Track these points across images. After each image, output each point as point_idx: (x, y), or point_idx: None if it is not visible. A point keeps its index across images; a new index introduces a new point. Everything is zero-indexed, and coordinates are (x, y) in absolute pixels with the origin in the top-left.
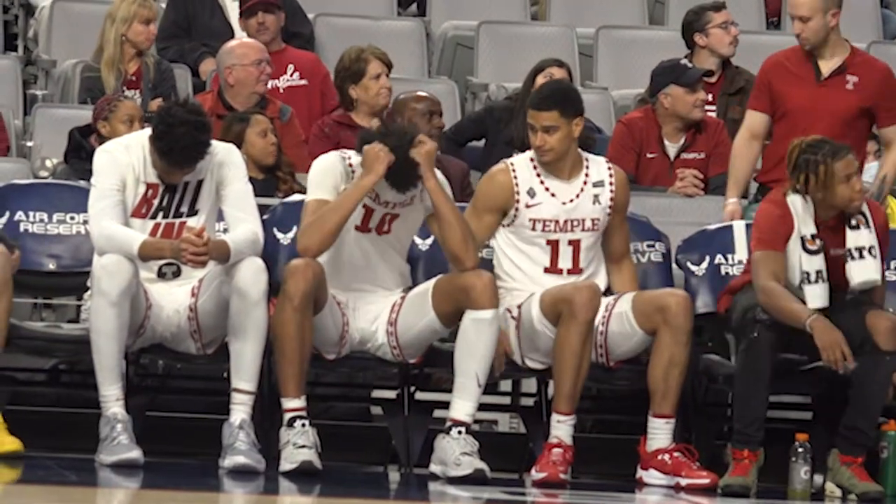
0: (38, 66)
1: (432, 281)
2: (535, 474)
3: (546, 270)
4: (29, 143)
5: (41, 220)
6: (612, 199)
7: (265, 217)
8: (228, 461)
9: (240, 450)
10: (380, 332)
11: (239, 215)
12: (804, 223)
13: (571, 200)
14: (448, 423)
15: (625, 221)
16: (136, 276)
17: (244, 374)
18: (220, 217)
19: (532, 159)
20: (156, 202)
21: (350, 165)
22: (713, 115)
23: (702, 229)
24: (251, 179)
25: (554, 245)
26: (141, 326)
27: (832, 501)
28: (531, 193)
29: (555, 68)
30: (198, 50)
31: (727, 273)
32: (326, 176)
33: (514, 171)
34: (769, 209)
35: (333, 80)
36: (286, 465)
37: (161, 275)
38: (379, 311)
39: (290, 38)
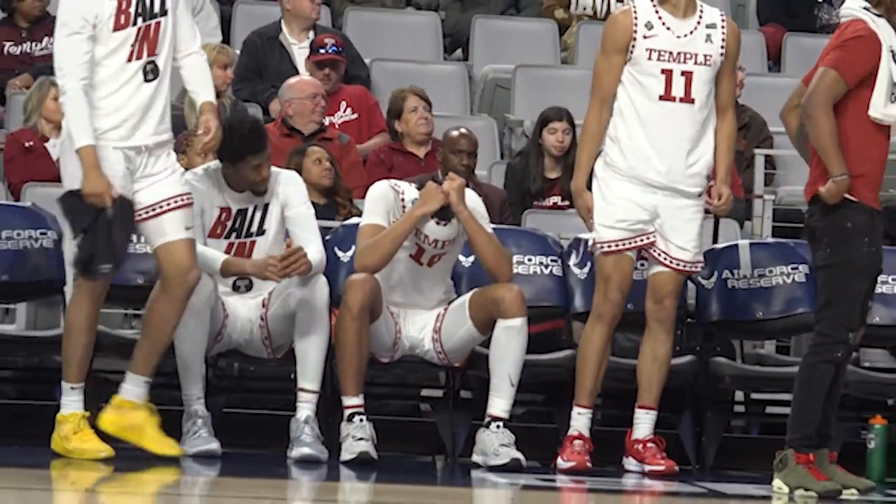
0: None
1: (469, 294)
2: (563, 463)
3: (661, 98)
4: None
5: (131, 241)
6: (723, 41)
7: (327, 238)
8: (295, 452)
9: (305, 442)
10: (426, 340)
11: (307, 236)
12: (891, 38)
13: (686, 35)
14: (487, 419)
15: (734, 72)
16: (216, 290)
17: (309, 376)
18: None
19: (653, 3)
20: (229, 224)
21: (402, 200)
22: None
23: (711, 248)
24: (314, 204)
25: (668, 74)
26: (219, 334)
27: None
28: (649, 26)
29: (555, 123)
30: (268, 90)
31: (733, 286)
32: (378, 203)
33: (635, 10)
34: (868, 42)
35: (385, 119)
36: (346, 455)
37: (235, 288)
38: (426, 321)
39: (349, 80)
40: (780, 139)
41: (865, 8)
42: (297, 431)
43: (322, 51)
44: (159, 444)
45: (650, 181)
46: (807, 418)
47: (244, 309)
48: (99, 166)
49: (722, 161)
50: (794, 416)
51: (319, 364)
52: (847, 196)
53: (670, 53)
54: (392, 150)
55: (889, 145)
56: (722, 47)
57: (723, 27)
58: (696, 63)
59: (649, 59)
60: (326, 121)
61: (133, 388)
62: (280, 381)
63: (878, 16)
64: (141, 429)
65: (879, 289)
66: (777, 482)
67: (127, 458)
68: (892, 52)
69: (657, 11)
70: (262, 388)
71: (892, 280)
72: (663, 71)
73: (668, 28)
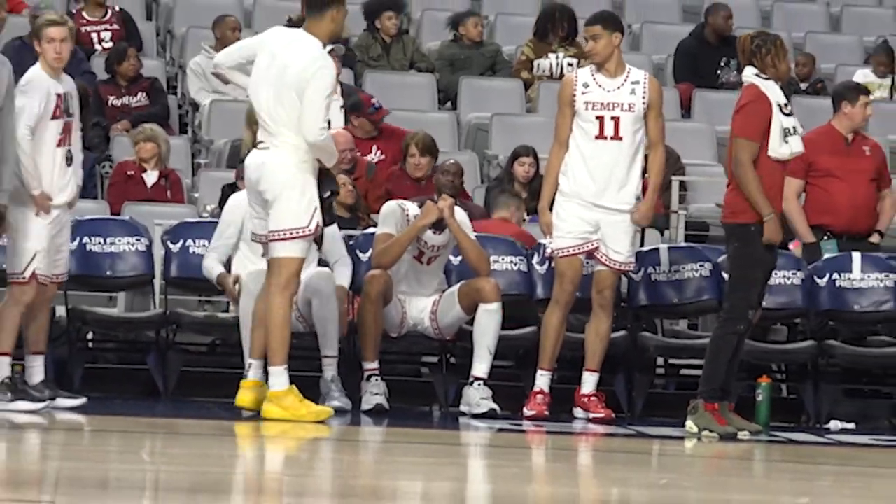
0: (201, 144)
1: (458, 285)
2: (528, 412)
3: (596, 137)
4: (196, 195)
5: (203, 245)
6: (645, 93)
7: (351, 243)
8: (327, 404)
9: (335, 396)
10: (426, 319)
11: (339, 247)
12: (777, 95)
13: (614, 90)
14: (471, 379)
15: (658, 116)
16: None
17: (329, 345)
18: None
19: (590, 69)
20: None
21: (406, 214)
22: None
23: (639, 250)
24: (340, 217)
25: (601, 119)
26: None
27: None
28: (585, 85)
29: (524, 157)
30: None
31: (656, 279)
32: (389, 217)
33: (576, 75)
34: (761, 105)
35: None
36: (365, 406)
37: None
38: (425, 305)
39: None
40: (690, 168)
41: (757, 74)
42: (325, 388)
43: (373, 109)
44: (317, 413)
45: (590, 202)
46: (715, 376)
47: None
48: None
49: (650, 185)
50: (705, 374)
51: (335, 335)
52: (754, 213)
53: (602, 104)
54: (401, 173)
55: (784, 174)
56: (644, 98)
57: (645, 83)
58: (622, 110)
59: (586, 109)
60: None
61: (280, 379)
62: (311, 349)
63: (767, 79)
64: (298, 407)
65: None
66: (689, 423)
67: (202, 408)
68: (779, 105)
69: (593, 74)
70: (299, 355)
71: (774, 274)
72: (597, 117)
73: (601, 86)
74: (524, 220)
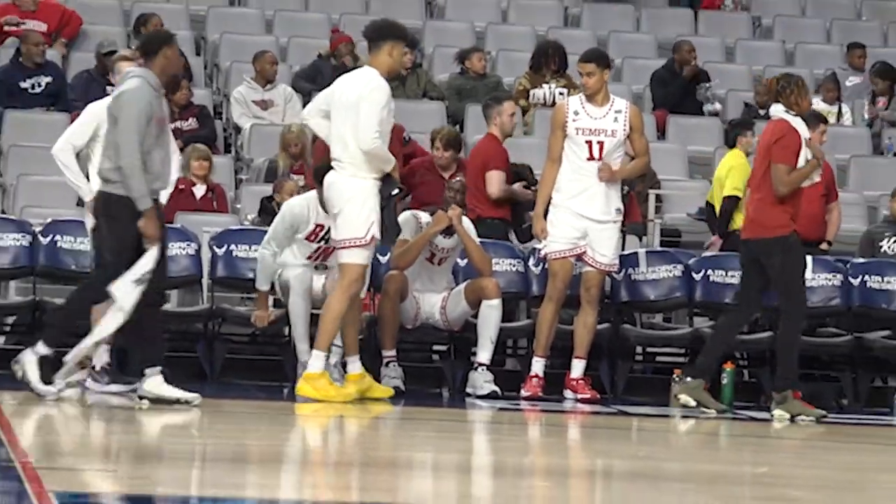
0: (243, 162)
1: (464, 283)
2: (525, 393)
3: (587, 159)
4: (238, 206)
5: (244, 249)
6: (625, 120)
7: None
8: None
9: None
10: (437, 313)
11: None
12: (804, 130)
13: (601, 118)
14: (476, 364)
15: (641, 136)
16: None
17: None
18: None
19: (580, 98)
20: (321, 234)
21: (420, 222)
22: None
23: (621, 254)
24: None
25: (589, 143)
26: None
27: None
28: (576, 113)
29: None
30: None
31: (635, 279)
32: (405, 226)
33: (567, 104)
34: (793, 136)
35: None
36: None
37: (315, 267)
38: (436, 301)
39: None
40: (665, 183)
41: (786, 110)
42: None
43: (408, 143)
44: (344, 395)
45: (579, 213)
46: (791, 367)
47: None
48: None
49: (627, 167)
50: (783, 370)
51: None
52: (789, 226)
53: (590, 129)
54: (431, 166)
55: (802, 196)
56: (625, 124)
57: (627, 111)
58: (606, 136)
59: (577, 134)
60: None
61: (318, 362)
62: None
63: (795, 115)
64: (328, 388)
65: None
66: (778, 412)
67: (240, 388)
68: (805, 140)
69: (582, 103)
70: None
71: (735, 274)
72: (586, 141)
73: (588, 114)
74: (512, 123)
